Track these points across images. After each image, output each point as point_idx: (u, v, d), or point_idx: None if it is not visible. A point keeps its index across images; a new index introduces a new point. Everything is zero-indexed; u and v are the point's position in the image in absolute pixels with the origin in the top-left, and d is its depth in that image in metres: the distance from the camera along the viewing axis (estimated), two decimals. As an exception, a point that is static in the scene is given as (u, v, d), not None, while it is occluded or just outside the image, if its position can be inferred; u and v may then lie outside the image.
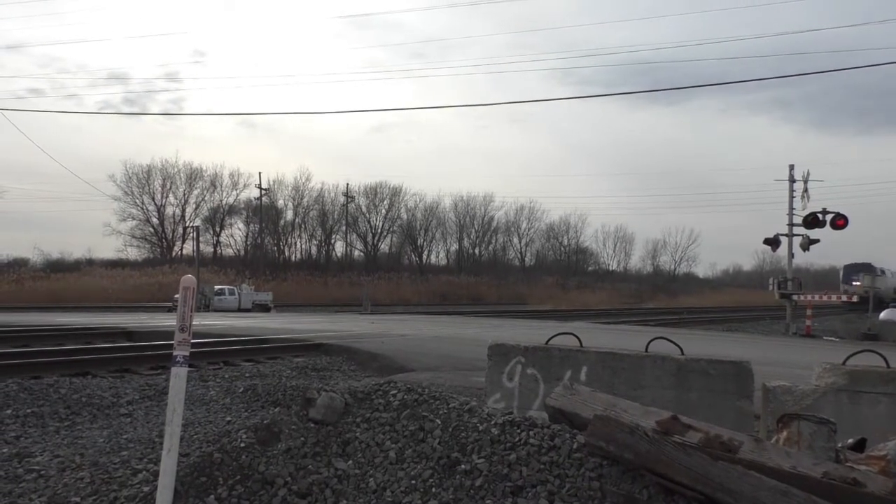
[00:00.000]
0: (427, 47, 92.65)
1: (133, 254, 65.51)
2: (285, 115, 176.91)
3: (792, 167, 25.27)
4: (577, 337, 5.21)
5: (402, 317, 28.25)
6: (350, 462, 3.40)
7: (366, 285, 45.67)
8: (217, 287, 41.09)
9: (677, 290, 76.81)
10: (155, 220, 67.09)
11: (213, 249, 67.36)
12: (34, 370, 8.47)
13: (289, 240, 72.13)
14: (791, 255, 25.10)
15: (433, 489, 3.12)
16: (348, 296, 50.74)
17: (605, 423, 3.08)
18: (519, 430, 3.36)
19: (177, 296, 3.42)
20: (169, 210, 67.47)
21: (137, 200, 65.38)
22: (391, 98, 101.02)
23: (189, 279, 3.26)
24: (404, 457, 3.37)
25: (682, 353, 4.86)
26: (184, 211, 67.75)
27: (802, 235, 24.15)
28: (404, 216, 75.52)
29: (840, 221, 23.06)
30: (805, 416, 3.26)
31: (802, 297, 26.39)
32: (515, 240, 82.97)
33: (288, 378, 8.50)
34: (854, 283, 40.73)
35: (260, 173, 70.94)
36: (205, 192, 68.31)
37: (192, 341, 3.36)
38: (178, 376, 3.12)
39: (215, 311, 34.96)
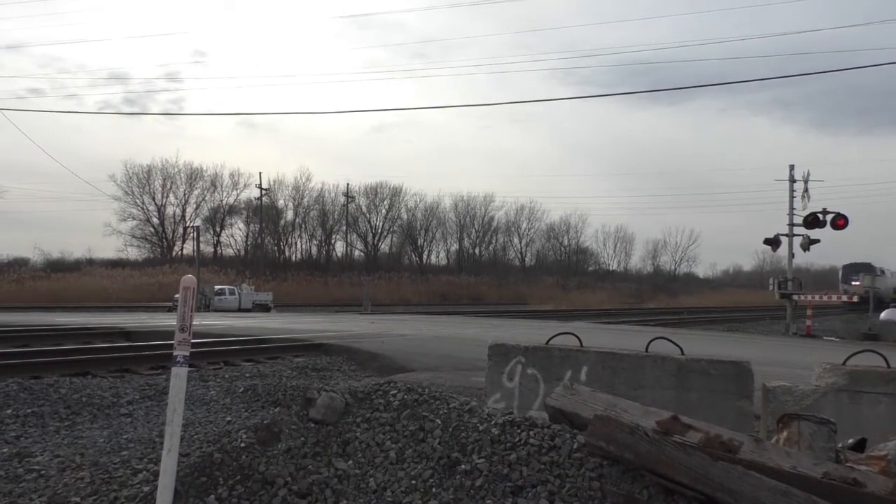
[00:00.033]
0: (428, 47, 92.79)
1: (133, 254, 65.61)
2: (285, 115, 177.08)
3: (792, 167, 25.32)
4: (577, 337, 5.21)
5: (402, 317, 28.25)
6: (350, 462, 3.40)
7: (366, 285, 45.71)
8: (217, 287, 41.08)
9: (677, 291, 76.79)
10: (155, 220, 67.18)
11: (213, 249, 67.41)
12: (34, 370, 8.47)
13: (289, 240, 72.20)
14: (791, 256, 25.12)
15: (433, 489, 3.12)
16: (348, 296, 50.74)
17: (606, 423, 3.08)
18: (519, 430, 3.36)
19: (177, 296, 3.41)
20: (169, 210, 67.60)
21: (138, 200, 65.49)
22: (392, 98, 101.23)
23: (189, 279, 3.26)
24: (404, 457, 3.37)
25: (683, 353, 4.86)
26: (184, 211, 67.84)
27: (803, 235, 24.17)
28: (404, 216, 75.65)
29: (840, 221, 23.07)
30: (805, 417, 3.26)
31: (802, 297, 26.41)
32: (516, 240, 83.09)
33: (288, 378, 8.50)
34: (854, 283, 40.77)
35: (260, 173, 70.79)
36: (205, 192, 68.43)
37: (193, 341, 3.36)
38: (179, 376, 3.12)
39: (215, 311, 34.96)
